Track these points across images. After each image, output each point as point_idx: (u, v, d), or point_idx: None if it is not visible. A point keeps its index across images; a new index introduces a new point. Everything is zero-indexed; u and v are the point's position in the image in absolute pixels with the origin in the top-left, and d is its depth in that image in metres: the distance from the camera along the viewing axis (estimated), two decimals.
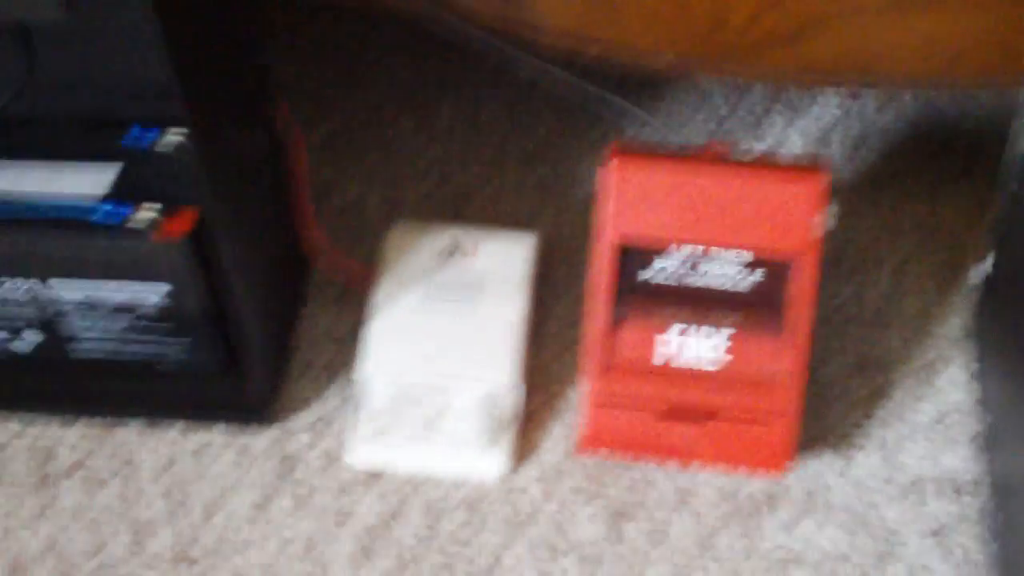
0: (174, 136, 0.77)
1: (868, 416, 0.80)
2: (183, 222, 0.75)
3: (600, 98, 0.94)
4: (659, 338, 0.75)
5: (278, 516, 0.78)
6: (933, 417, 0.80)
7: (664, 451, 0.77)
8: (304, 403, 0.83)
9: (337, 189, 0.93)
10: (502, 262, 0.84)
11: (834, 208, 0.72)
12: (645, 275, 0.75)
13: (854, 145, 0.93)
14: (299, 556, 0.76)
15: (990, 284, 0.80)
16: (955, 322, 0.84)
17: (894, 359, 0.82)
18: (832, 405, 0.81)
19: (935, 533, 0.75)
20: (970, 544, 0.74)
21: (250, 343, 0.79)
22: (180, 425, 0.82)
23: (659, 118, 0.95)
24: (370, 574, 0.75)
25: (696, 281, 0.75)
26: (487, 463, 0.79)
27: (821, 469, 0.78)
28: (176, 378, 0.82)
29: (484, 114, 0.97)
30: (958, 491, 0.77)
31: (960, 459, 0.78)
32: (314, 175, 0.91)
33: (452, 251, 0.84)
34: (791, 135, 0.93)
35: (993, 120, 0.93)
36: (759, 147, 0.93)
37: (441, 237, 0.85)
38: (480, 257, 0.84)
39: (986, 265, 0.80)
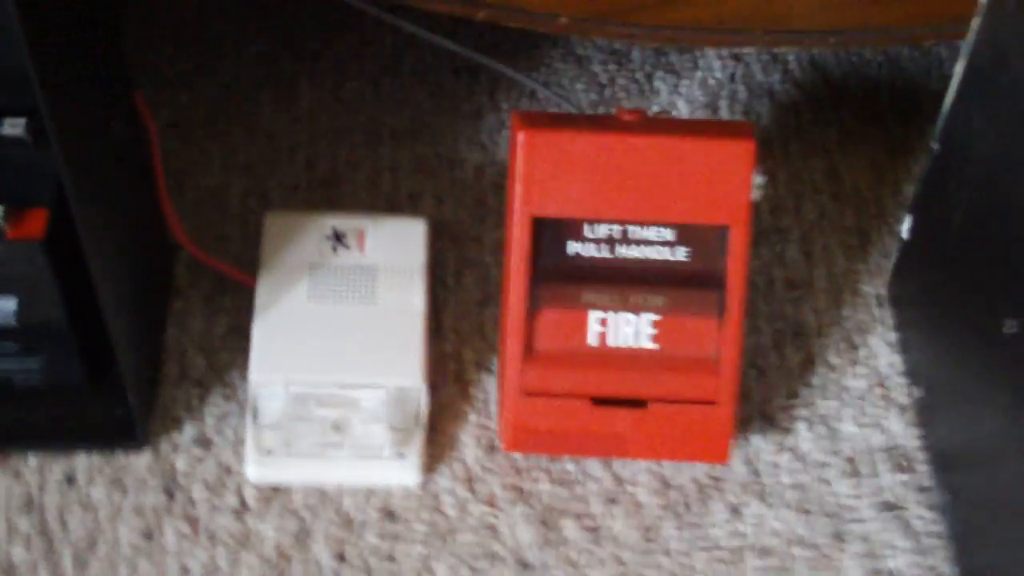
0: (11, 128, 0.67)
1: (804, 386, 0.76)
2: (33, 224, 0.66)
3: (483, 67, 0.88)
4: (584, 319, 0.69)
5: (172, 545, 0.69)
6: (867, 384, 0.76)
7: (598, 444, 0.71)
8: (176, 420, 0.74)
9: (195, 176, 0.84)
10: (393, 251, 0.76)
11: (761, 178, 0.67)
12: (565, 253, 0.69)
13: (743, 109, 0.88)
14: None
15: (907, 249, 0.77)
16: (870, 287, 0.81)
17: (820, 324, 0.79)
18: (766, 375, 0.76)
19: (891, 507, 0.71)
20: (928, 515, 0.71)
21: (119, 354, 0.69)
22: (39, 454, 0.72)
23: (540, 90, 0.89)
24: None
25: (621, 256, 0.69)
26: (401, 470, 0.71)
27: (762, 446, 0.73)
28: (31, 400, 0.73)
29: (347, 90, 0.89)
30: (908, 459, 0.73)
31: (904, 425, 0.74)
32: (170, 162, 0.82)
33: (336, 242, 0.76)
34: (676, 101, 0.89)
35: (880, 79, 0.91)
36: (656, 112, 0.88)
37: (321, 226, 0.77)
38: (369, 247, 0.76)
39: (902, 229, 0.77)
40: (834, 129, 0.88)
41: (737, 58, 0.91)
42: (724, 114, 0.88)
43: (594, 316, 0.69)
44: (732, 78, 0.90)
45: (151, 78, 0.89)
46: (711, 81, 0.90)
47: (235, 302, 0.79)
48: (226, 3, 0.93)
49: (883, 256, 0.82)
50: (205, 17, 0.93)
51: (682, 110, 0.88)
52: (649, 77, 0.90)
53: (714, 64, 0.91)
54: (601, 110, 0.88)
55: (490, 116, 0.88)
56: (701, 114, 0.88)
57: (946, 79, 0.89)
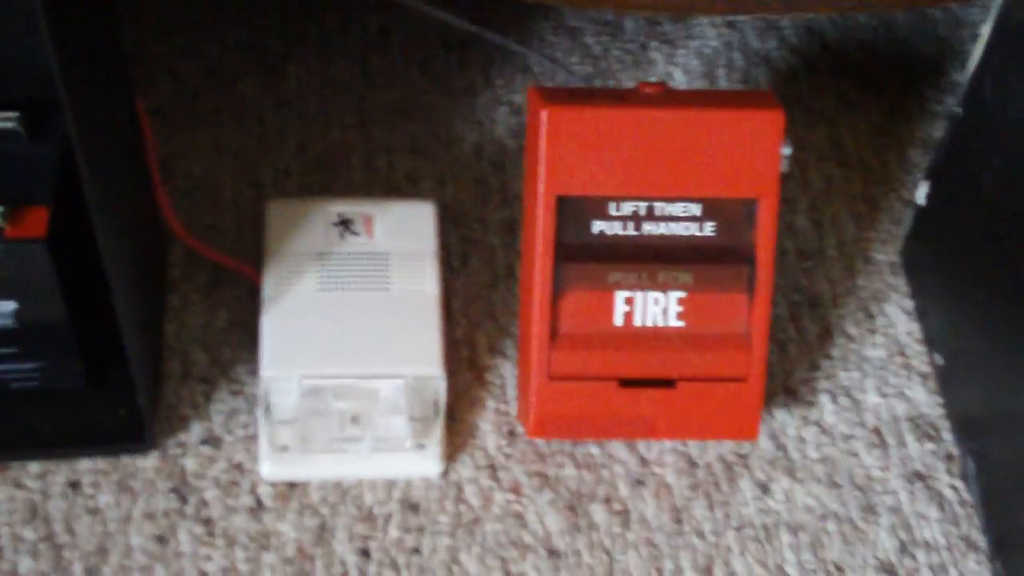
0: (3, 122, 0.65)
1: (824, 357, 0.75)
2: (34, 223, 0.63)
3: (475, 43, 0.86)
4: (610, 299, 0.68)
5: (188, 548, 0.66)
6: (887, 353, 0.75)
7: (625, 426, 0.69)
8: (183, 420, 0.71)
9: (183, 164, 0.81)
10: (403, 236, 0.74)
11: (788, 148, 0.66)
12: (589, 232, 0.67)
13: (741, 78, 0.87)
14: None
15: (923, 215, 0.76)
16: (882, 255, 0.79)
17: (835, 294, 0.77)
18: (786, 348, 0.75)
19: (920, 477, 0.70)
20: (959, 484, 0.70)
21: (129, 354, 0.66)
22: (41, 460, 0.69)
23: (533, 63, 0.87)
24: None
25: (647, 234, 0.67)
26: (422, 461, 0.69)
27: (786, 420, 0.72)
28: (30, 405, 0.70)
29: (335, 70, 0.86)
30: (933, 427, 0.72)
31: (927, 393, 0.73)
32: (158, 150, 0.79)
33: (343, 228, 0.74)
34: (672, 71, 0.87)
35: (877, 43, 0.90)
36: None
37: (326, 213, 0.74)
38: (378, 232, 0.74)
39: (918, 196, 0.76)
40: (833, 95, 0.87)
41: (731, 26, 0.89)
42: (722, 84, 0.86)
43: (620, 296, 0.67)
44: (728, 46, 0.88)
45: (132, 64, 0.85)
46: (707, 50, 0.88)
47: (234, 294, 0.76)
48: None
49: (893, 222, 0.81)
50: (184, 1, 0.90)
51: (679, 80, 0.86)
52: (643, 47, 0.88)
53: (708, 32, 0.89)
54: (598, 83, 0.86)
55: (484, 92, 0.86)
56: (698, 84, 0.86)
57: (941, 41, 0.88)
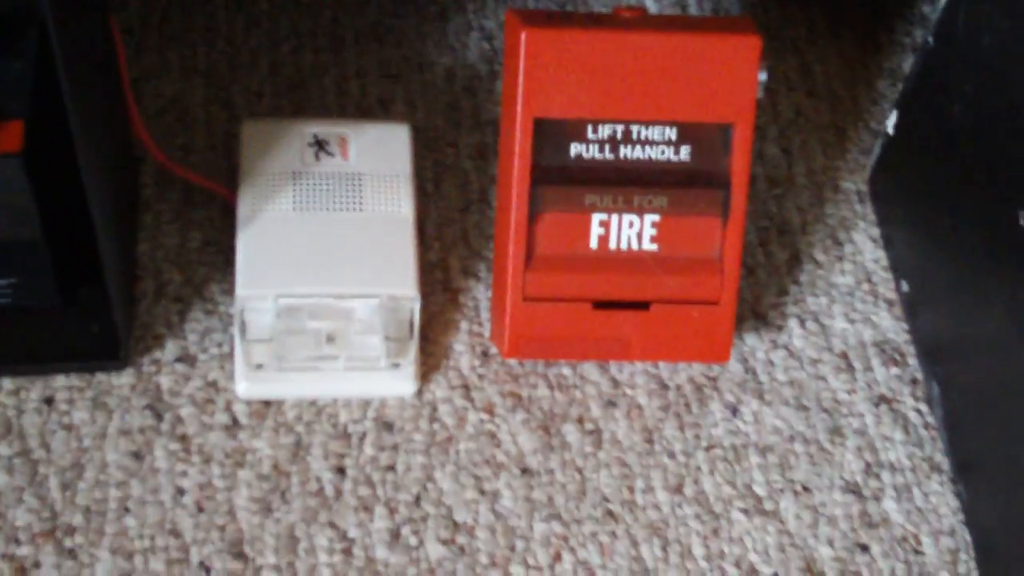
0: None
1: (793, 283, 0.76)
2: (9, 136, 0.63)
3: None
4: (586, 222, 0.68)
5: (163, 466, 0.67)
6: (854, 280, 0.76)
7: (599, 347, 0.70)
8: (158, 338, 0.71)
9: (154, 84, 0.81)
10: (378, 157, 0.74)
11: (764, 74, 0.66)
12: (567, 154, 0.68)
13: (712, 7, 0.87)
14: (199, 507, 0.66)
15: (891, 145, 0.77)
16: (850, 183, 0.80)
17: (804, 221, 0.78)
18: (755, 274, 0.76)
19: (885, 400, 0.72)
20: (923, 407, 0.71)
21: (106, 270, 0.66)
22: (15, 377, 0.69)
23: None
24: (287, 516, 0.66)
25: (624, 158, 0.68)
26: (397, 380, 0.70)
27: (755, 344, 0.73)
28: (5, 322, 0.70)
29: None
30: (899, 353, 0.73)
31: (893, 320, 0.75)
32: (129, 69, 0.78)
33: (318, 149, 0.74)
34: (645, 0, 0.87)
35: None
36: None
37: (301, 134, 0.74)
38: (352, 154, 0.74)
39: (886, 125, 0.77)
40: (803, 26, 0.88)
41: None
42: (693, 11, 0.87)
43: (596, 218, 0.68)
44: None
45: None
46: None
47: (207, 214, 0.76)
48: None
49: (861, 152, 0.82)
50: None
51: (651, 7, 0.87)
52: None
53: None
54: (570, 7, 0.86)
55: (456, 17, 0.86)
56: (671, 11, 0.86)
57: None
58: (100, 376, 0.70)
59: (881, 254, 0.77)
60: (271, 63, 0.83)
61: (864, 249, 0.77)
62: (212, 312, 0.72)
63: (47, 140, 0.65)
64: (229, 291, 0.72)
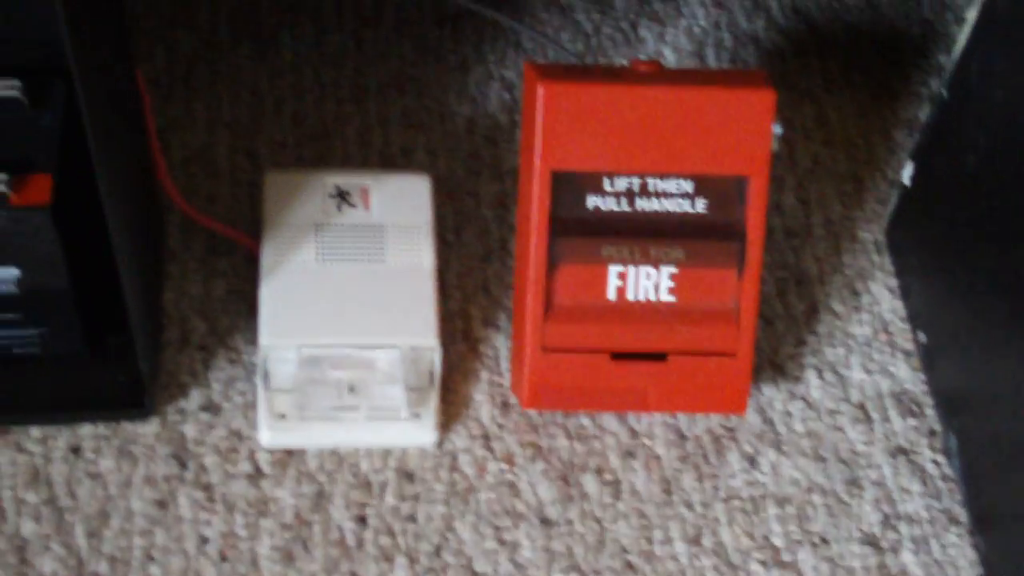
0: (5, 90, 0.65)
1: (811, 333, 0.76)
2: (38, 190, 0.64)
3: (467, 18, 0.86)
4: (603, 273, 0.69)
5: (187, 513, 0.68)
6: (872, 330, 0.77)
7: (617, 398, 0.71)
8: (182, 387, 0.72)
9: (180, 135, 0.82)
10: (399, 208, 0.75)
11: (779, 127, 0.67)
12: (584, 206, 0.68)
13: (730, 57, 0.88)
14: (222, 556, 0.66)
15: (907, 195, 0.78)
16: (868, 233, 0.81)
17: (821, 272, 0.79)
18: (773, 325, 0.76)
19: (903, 452, 0.72)
20: (941, 459, 0.72)
21: (131, 320, 0.67)
22: (43, 425, 0.70)
23: (525, 39, 0.87)
24: (309, 566, 0.66)
25: (640, 209, 0.69)
26: (418, 430, 0.70)
27: (773, 395, 0.74)
28: (31, 370, 0.71)
29: (330, 42, 0.87)
30: (916, 404, 0.74)
31: (910, 370, 0.75)
32: (155, 119, 0.80)
33: (340, 200, 0.75)
34: (663, 50, 0.88)
35: (862, 23, 0.91)
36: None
37: (324, 184, 0.75)
38: (374, 204, 0.75)
39: (903, 176, 0.77)
40: (819, 75, 0.88)
41: (720, 5, 0.91)
42: (711, 63, 0.88)
43: (613, 270, 0.68)
44: (717, 25, 0.90)
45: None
46: (696, 29, 0.89)
47: (232, 263, 0.77)
48: None
49: (878, 202, 0.82)
50: None
51: (669, 59, 0.88)
52: (634, 26, 0.89)
53: (698, 12, 0.90)
54: (589, 60, 0.87)
55: (477, 67, 0.87)
56: (689, 63, 0.87)
57: (926, 24, 0.90)
58: (126, 424, 0.71)
59: (899, 304, 0.78)
60: (295, 113, 0.84)
61: (882, 299, 0.78)
62: (236, 361, 0.73)
63: (75, 191, 0.66)
64: (253, 340, 0.73)
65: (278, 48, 0.87)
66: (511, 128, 0.84)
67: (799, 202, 0.82)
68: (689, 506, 0.69)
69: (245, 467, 0.69)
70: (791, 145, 0.84)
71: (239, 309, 0.75)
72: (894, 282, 0.79)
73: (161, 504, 0.68)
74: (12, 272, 0.66)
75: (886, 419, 0.73)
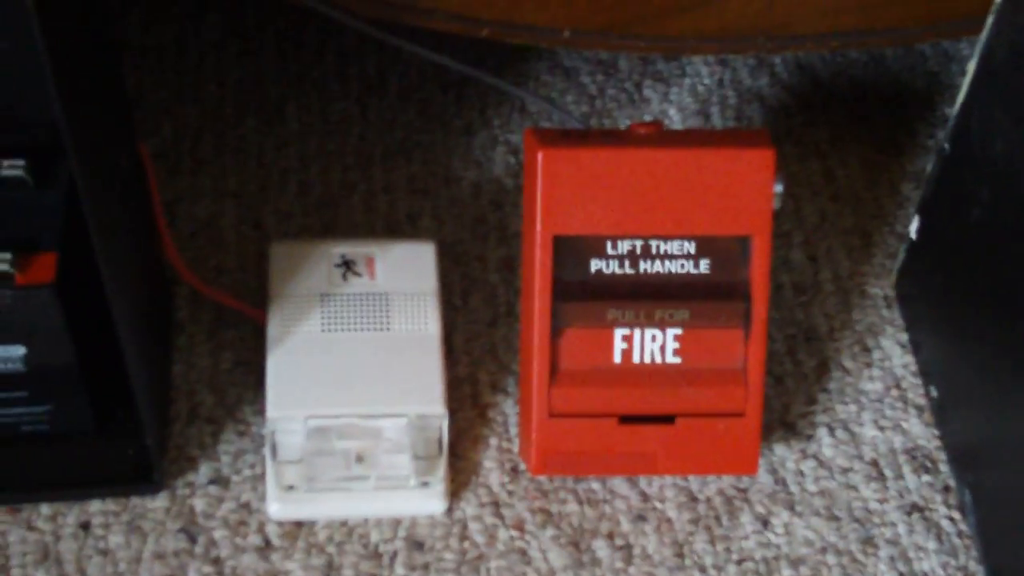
0: (10, 170, 0.66)
1: (822, 391, 0.76)
2: (43, 268, 0.64)
3: (471, 83, 0.87)
4: (609, 337, 0.69)
5: None
6: (883, 386, 0.76)
7: (626, 462, 0.70)
8: (191, 460, 0.72)
9: (186, 207, 0.82)
10: (404, 276, 0.75)
11: (780, 185, 0.67)
12: (587, 270, 0.68)
13: (735, 114, 0.88)
14: None
15: (914, 249, 0.77)
16: (877, 288, 0.81)
17: (831, 328, 0.79)
18: (784, 383, 0.76)
19: (918, 509, 0.71)
20: (956, 515, 0.71)
21: (137, 396, 0.67)
22: (52, 502, 0.70)
23: (530, 103, 0.88)
24: None
25: (644, 272, 0.68)
26: (427, 498, 0.70)
27: (785, 454, 0.73)
28: (40, 448, 0.71)
29: (335, 112, 0.88)
30: (930, 460, 0.73)
31: (923, 425, 0.74)
32: (161, 192, 0.80)
33: (346, 269, 0.75)
34: (668, 109, 0.88)
35: (866, 78, 0.91)
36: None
37: (329, 254, 0.75)
38: (379, 273, 0.75)
39: (910, 230, 0.77)
40: (825, 130, 0.88)
41: (724, 64, 0.91)
42: (716, 121, 0.88)
43: (619, 333, 0.68)
44: (721, 83, 0.90)
45: (133, 108, 0.87)
46: (700, 88, 0.90)
47: (239, 335, 0.77)
48: (202, 28, 0.92)
49: (887, 256, 0.82)
50: (181, 43, 0.91)
51: (674, 118, 0.88)
52: (638, 86, 0.89)
53: (702, 70, 0.90)
54: (594, 122, 0.87)
55: (482, 132, 0.87)
56: (693, 122, 0.88)
57: (931, 76, 0.90)
58: (135, 500, 0.70)
59: (910, 359, 0.77)
60: (300, 183, 0.84)
61: (892, 355, 0.77)
62: (244, 433, 0.73)
63: (80, 269, 0.66)
64: (261, 411, 0.73)
65: (284, 118, 0.87)
66: (516, 192, 0.84)
67: (807, 258, 0.82)
68: (702, 569, 0.69)
69: (255, 540, 0.69)
70: (798, 201, 0.84)
71: (247, 381, 0.75)
72: (904, 336, 0.78)
73: None
74: (19, 350, 0.67)
75: (900, 476, 0.72)
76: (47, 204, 0.66)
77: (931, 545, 0.70)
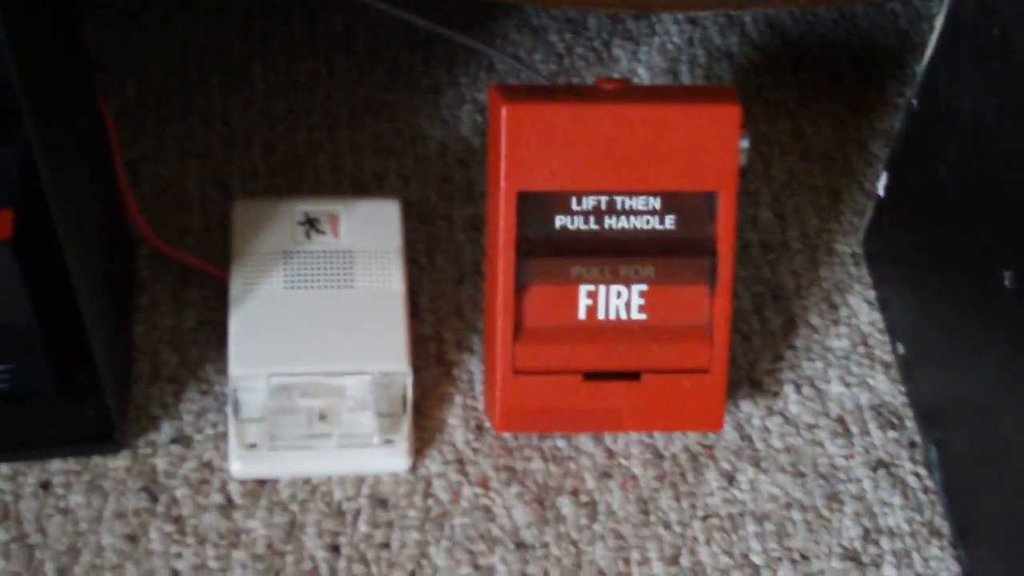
0: None
1: (788, 348, 0.75)
2: (0, 226, 0.64)
3: (439, 42, 0.86)
4: (574, 293, 0.68)
5: (159, 547, 0.67)
6: (850, 343, 0.76)
7: (591, 419, 0.70)
8: (153, 420, 0.71)
9: (150, 167, 0.82)
10: (368, 234, 0.74)
11: (746, 142, 0.67)
12: (552, 226, 0.68)
13: (704, 73, 0.88)
14: None
15: (882, 206, 0.77)
16: (845, 246, 0.80)
17: (799, 285, 0.78)
18: (750, 340, 0.75)
19: (883, 465, 0.71)
20: (922, 471, 0.71)
21: (96, 355, 0.67)
22: (12, 462, 0.69)
23: (497, 62, 0.87)
24: None
25: (609, 228, 0.68)
26: (390, 456, 0.69)
27: (751, 411, 0.73)
28: (0, 407, 0.70)
29: (301, 72, 0.87)
30: (897, 416, 0.73)
31: (889, 382, 0.74)
32: (123, 153, 0.79)
33: (309, 227, 0.74)
34: (637, 68, 0.88)
35: (837, 37, 0.90)
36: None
37: (292, 213, 0.75)
38: (343, 231, 0.74)
39: (878, 187, 0.76)
40: (795, 89, 0.88)
41: (694, 22, 0.90)
42: (685, 79, 0.87)
43: (583, 290, 0.68)
44: (690, 42, 0.89)
45: (95, 67, 0.86)
46: (669, 46, 0.89)
47: (202, 295, 0.76)
48: None
49: (855, 214, 0.82)
50: (146, 1, 0.90)
51: (643, 77, 0.87)
52: (607, 45, 0.89)
53: (671, 29, 0.90)
54: (562, 80, 0.86)
55: (449, 91, 0.86)
56: (662, 80, 0.87)
57: (902, 34, 0.89)
58: (96, 459, 0.70)
59: (877, 316, 0.77)
60: (266, 142, 0.83)
61: (859, 312, 0.77)
62: (207, 392, 0.73)
63: (39, 227, 0.65)
64: (223, 371, 0.72)
65: (249, 78, 0.86)
66: (483, 151, 0.83)
67: (775, 216, 0.81)
68: (667, 526, 0.68)
69: (217, 499, 0.69)
70: (767, 159, 0.84)
71: (210, 340, 0.74)
72: (872, 294, 0.78)
73: (132, 538, 0.67)
74: None
75: (866, 432, 0.72)
76: (3, 160, 0.66)
77: (896, 501, 0.70)
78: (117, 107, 0.84)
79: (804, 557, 0.68)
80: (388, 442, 0.69)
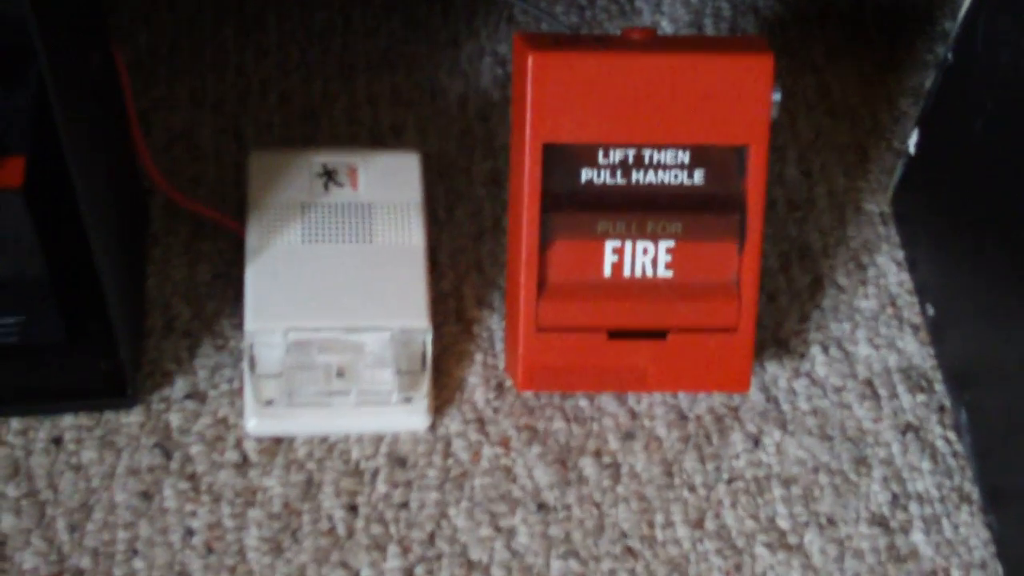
0: None
1: (815, 308, 0.74)
2: (10, 172, 0.62)
3: None
4: (599, 249, 0.67)
5: (173, 504, 0.66)
6: (878, 304, 0.74)
7: (615, 378, 0.68)
8: (167, 375, 0.70)
9: (163, 116, 0.80)
10: (388, 187, 0.72)
11: (778, 94, 0.65)
12: (578, 180, 0.66)
13: (729, 27, 0.86)
14: (208, 547, 0.64)
15: (913, 164, 0.75)
16: (873, 205, 0.79)
17: (826, 244, 0.77)
18: (776, 300, 0.74)
19: (912, 428, 0.70)
20: (951, 435, 0.69)
21: (110, 306, 0.65)
22: (23, 416, 0.68)
23: (518, 12, 0.85)
24: (298, 557, 0.64)
25: (636, 183, 0.66)
26: (410, 414, 0.68)
27: (777, 372, 0.71)
28: (9, 360, 0.69)
29: (317, 20, 0.85)
30: (926, 379, 0.71)
31: (918, 344, 0.73)
32: (136, 102, 0.77)
33: (328, 179, 0.73)
34: (660, 20, 0.86)
35: None
36: None
37: (310, 164, 0.73)
38: (362, 183, 0.72)
39: (908, 144, 0.75)
40: (821, 45, 0.86)
41: None
42: (709, 32, 0.85)
43: (609, 246, 0.66)
44: None
45: (109, 15, 0.84)
46: None
47: (216, 247, 0.75)
48: None
49: (883, 172, 0.80)
50: None
51: (666, 29, 0.85)
52: None
53: None
54: (584, 31, 0.85)
55: (468, 43, 0.84)
56: (686, 32, 0.85)
57: None
58: (108, 414, 0.68)
59: (905, 277, 0.75)
60: (281, 93, 0.81)
61: (888, 272, 0.76)
62: (222, 347, 0.71)
63: (51, 176, 0.64)
64: (239, 325, 0.71)
65: (264, 27, 0.84)
66: (504, 104, 0.81)
67: (802, 174, 0.79)
68: (691, 488, 0.67)
69: (232, 456, 0.67)
70: (793, 116, 0.82)
71: (225, 294, 0.73)
72: (900, 254, 0.76)
73: (145, 495, 0.66)
74: None
75: (894, 395, 0.71)
76: (16, 106, 0.64)
77: (925, 465, 0.68)
78: (129, 56, 0.82)
79: (831, 522, 0.66)
80: (407, 400, 0.68)
